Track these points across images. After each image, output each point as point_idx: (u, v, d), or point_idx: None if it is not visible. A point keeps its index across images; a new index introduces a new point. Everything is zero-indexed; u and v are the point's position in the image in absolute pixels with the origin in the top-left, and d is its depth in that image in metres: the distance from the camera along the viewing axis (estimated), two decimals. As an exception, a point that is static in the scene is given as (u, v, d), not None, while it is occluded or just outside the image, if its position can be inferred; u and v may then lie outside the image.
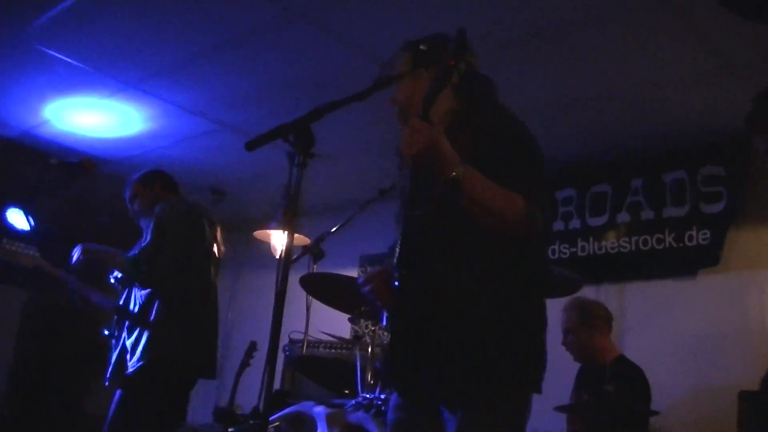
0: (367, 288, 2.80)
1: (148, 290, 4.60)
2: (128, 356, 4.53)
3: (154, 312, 4.53)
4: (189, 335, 4.54)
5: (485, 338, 2.48)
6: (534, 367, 2.56)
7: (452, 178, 2.36)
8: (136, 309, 4.64)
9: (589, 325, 5.09)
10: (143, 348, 4.45)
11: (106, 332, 4.84)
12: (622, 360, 5.06)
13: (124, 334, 4.67)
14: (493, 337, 2.48)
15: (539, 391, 2.56)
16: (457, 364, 2.48)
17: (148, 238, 4.57)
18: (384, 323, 2.72)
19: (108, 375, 4.67)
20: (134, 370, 4.44)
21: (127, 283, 4.79)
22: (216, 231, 4.99)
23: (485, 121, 2.67)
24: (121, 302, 4.78)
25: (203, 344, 4.65)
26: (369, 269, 2.89)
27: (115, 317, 4.83)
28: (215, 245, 4.95)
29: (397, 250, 2.70)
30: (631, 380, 4.87)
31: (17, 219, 6.26)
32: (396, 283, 2.66)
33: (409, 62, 2.88)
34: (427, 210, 2.68)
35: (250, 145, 2.38)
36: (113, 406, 4.54)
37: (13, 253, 5.08)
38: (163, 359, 4.47)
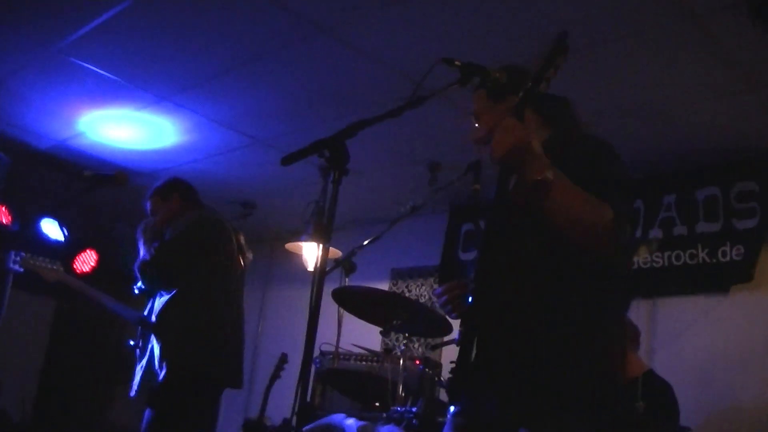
0: (442, 299, 2.76)
1: (166, 300, 4.62)
2: (155, 367, 4.54)
3: (173, 321, 4.54)
4: (210, 344, 4.54)
5: (560, 365, 2.42)
6: (608, 403, 2.51)
7: (542, 179, 2.30)
8: (155, 319, 4.66)
9: (624, 343, 5.05)
10: (164, 358, 4.47)
11: (131, 343, 4.87)
12: (651, 376, 5.02)
13: (150, 344, 4.68)
14: (569, 366, 2.43)
15: (606, 426, 2.50)
16: (526, 389, 2.44)
17: (167, 239, 4.59)
18: (457, 337, 2.68)
19: (134, 386, 4.69)
20: (160, 381, 4.46)
21: (149, 294, 4.82)
22: (240, 239, 5.00)
23: (575, 150, 2.63)
24: (144, 313, 4.80)
25: (227, 353, 4.64)
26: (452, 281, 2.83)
27: (140, 328, 4.85)
28: (240, 254, 4.96)
29: (476, 262, 2.66)
30: (660, 397, 4.84)
31: (51, 230, 6.32)
32: (470, 298, 2.57)
33: (484, 98, 2.85)
34: (510, 223, 2.61)
35: (286, 161, 2.39)
36: (144, 422, 4.54)
37: (35, 267, 5.11)
38: (185, 368, 4.47)
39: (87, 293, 5.04)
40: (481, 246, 2.69)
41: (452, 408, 2.75)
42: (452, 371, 2.60)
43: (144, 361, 4.68)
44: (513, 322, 2.50)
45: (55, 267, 5.18)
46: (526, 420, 2.46)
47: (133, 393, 4.71)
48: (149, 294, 4.83)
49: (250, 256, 5.05)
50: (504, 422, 2.51)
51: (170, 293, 4.60)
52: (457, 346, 2.61)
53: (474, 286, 2.58)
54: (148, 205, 5.03)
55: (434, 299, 2.86)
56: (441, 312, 2.81)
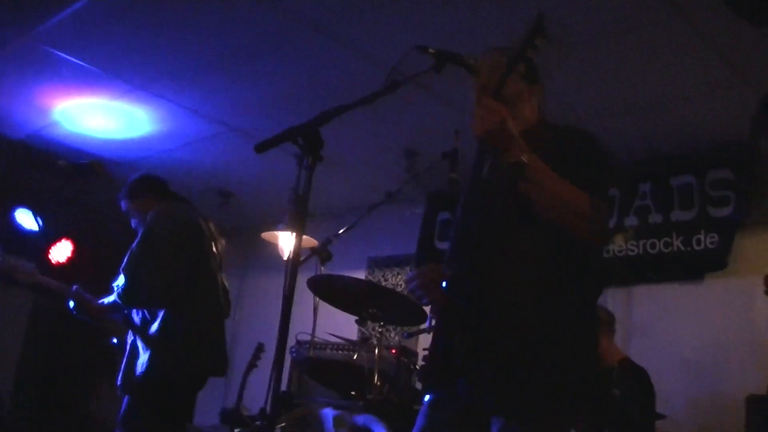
0: (413, 284, 2.73)
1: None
2: (137, 361, 4.53)
3: (157, 321, 4.52)
4: (193, 338, 4.52)
5: (539, 351, 2.43)
6: (589, 386, 2.53)
7: (519, 160, 2.34)
8: (139, 318, 4.64)
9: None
10: (149, 355, 4.45)
11: (115, 341, 4.83)
12: (627, 363, 5.05)
13: (131, 338, 4.66)
14: (548, 352, 2.44)
15: (585, 414, 2.51)
16: (506, 373, 2.44)
17: (133, 252, 4.53)
18: (428, 324, 2.67)
19: (119, 379, 4.66)
20: (140, 374, 4.44)
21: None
22: (210, 227, 4.98)
23: (557, 136, 2.66)
24: (125, 311, 4.76)
25: (209, 345, 4.64)
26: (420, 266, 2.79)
27: (123, 324, 4.82)
28: (213, 241, 4.94)
29: (450, 246, 2.65)
30: (636, 383, 4.86)
31: (25, 220, 6.28)
32: (444, 283, 2.60)
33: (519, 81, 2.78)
34: (487, 205, 2.64)
35: (260, 148, 2.38)
36: (122, 410, 4.53)
37: (9, 269, 5.04)
38: (169, 365, 4.46)
39: (63, 292, 4.98)
40: (456, 231, 2.70)
41: (427, 397, 2.75)
42: (425, 359, 2.60)
43: (127, 353, 4.66)
44: (489, 308, 2.50)
45: (29, 268, 5.08)
46: (500, 406, 2.47)
47: (118, 385, 4.68)
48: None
49: (223, 242, 5.03)
50: (478, 409, 2.52)
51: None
52: (429, 333, 2.61)
53: (449, 272, 2.58)
54: (123, 206, 5.00)
55: (406, 285, 2.82)
56: (414, 299, 2.79)
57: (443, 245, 7.43)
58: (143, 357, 4.48)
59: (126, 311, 4.70)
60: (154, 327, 4.51)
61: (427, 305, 2.75)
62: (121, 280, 4.51)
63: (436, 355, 2.67)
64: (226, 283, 4.99)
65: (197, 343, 4.53)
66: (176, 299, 4.51)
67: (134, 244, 4.53)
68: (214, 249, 4.92)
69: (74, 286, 4.88)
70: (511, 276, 2.53)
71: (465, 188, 2.81)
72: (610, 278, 6.14)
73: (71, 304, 4.86)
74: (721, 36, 4.48)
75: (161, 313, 4.52)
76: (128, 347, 4.65)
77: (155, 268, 4.47)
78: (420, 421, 2.69)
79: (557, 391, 2.43)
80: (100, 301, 4.77)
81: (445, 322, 2.61)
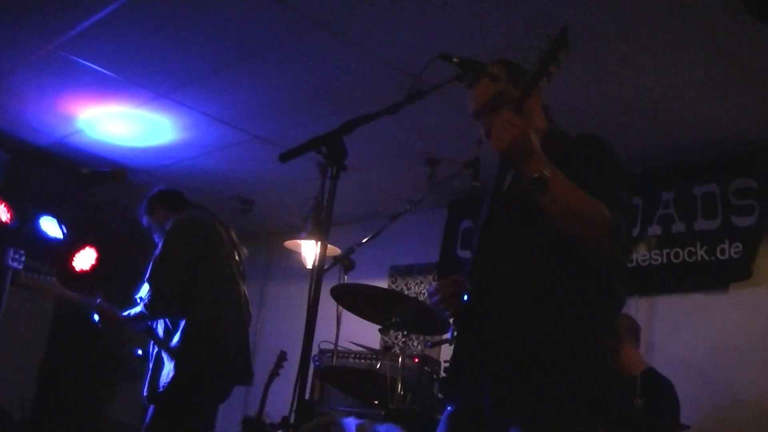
0: (435, 298, 2.71)
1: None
2: (161, 372, 4.54)
3: (179, 331, 4.53)
4: (216, 348, 4.53)
5: (557, 362, 2.42)
6: (604, 398, 2.51)
7: (540, 176, 2.32)
8: (162, 329, 4.65)
9: (617, 337, 5.03)
10: (173, 365, 4.46)
11: (140, 352, 4.84)
12: (651, 373, 5.02)
13: (155, 349, 4.68)
14: (566, 363, 2.43)
15: (607, 424, 2.49)
16: (524, 384, 2.43)
17: (155, 263, 4.55)
18: (449, 335, 2.66)
19: (144, 390, 4.67)
20: (165, 385, 4.45)
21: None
22: (232, 235, 4.99)
23: (573, 146, 2.65)
24: (149, 322, 4.77)
25: (233, 354, 4.64)
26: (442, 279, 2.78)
27: (146, 335, 4.84)
28: (234, 250, 4.95)
29: (471, 258, 2.65)
30: (660, 394, 4.83)
31: (50, 227, 6.31)
32: (466, 297, 2.58)
33: (488, 87, 2.77)
34: (507, 220, 2.63)
35: (284, 157, 2.39)
36: (147, 419, 4.54)
37: (32, 284, 5.05)
38: (193, 375, 4.47)
39: (85, 305, 4.98)
40: (477, 242, 2.69)
41: (448, 408, 2.74)
42: (446, 370, 2.60)
43: (152, 363, 4.67)
44: (510, 320, 2.50)
45: (50, 281, 5.08)
46: (519, 419, 2.46)
47: (144, 394, 4.68)
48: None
49: (244, 250, 5.04)
50: (497, 421, 2.51)
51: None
52: (450, 345, 2.60)
53: (470, 284, 2.57)
54: (144, 223, 5.04)
55: (427, 298, 2.81)
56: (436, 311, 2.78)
57: (465, 254, 7.43)
58: (168, 367, 4.49)
59: (150, 323, 4.71)
60: (177, 338, 4.52)
61: (449, 318, 2.73)
62: (144, 291, 4.53)
63: (455, 367, 2.66)
64: (245, 293, 5.00)
65: (220, 353, 4.53)
66: (198, 309, 4.52)
67: (155, 256, 4.56)
68: (236, 257, 4.93)
69: (98, 299, 4.89)
70: (519, 287, 2.53)
71: (486, 200, 2.80)
72: (633, 288, 6.11)
73: (96, 317, 4.88)
74: (734, 39, 4.45)
75: (182, 324, 4.53)
76: (153, 358, 4.66)
77: (177, 278, 4.49)
78: (441, 429, 2.69)
79: (571, 400, 2.41)
80: (125, 313, 4.78)
81: (463, 334, 2.60)
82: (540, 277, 2.51)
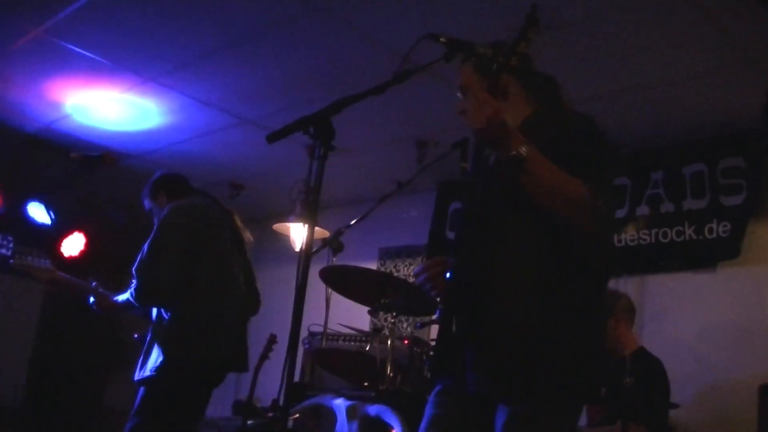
0: (422, 277, 2.74)
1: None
2: (151, 355, 4.54)
3: (170, 315, 4.53)
4: (207, 333, 4.52)
5: (538, 336, 2.43)
6: (592, 374, 2.52)
7: (517, 154, 2.33)
8: (154, 313, 4.65)
9: (614, 317, 5.04)
10: (162, 349, 4.46)
11: (136, 336, 4.84)
12: (641, 352, 5.04)
13: (150, 333, 4.68)
14: (552, 338, 2.43)
15: (594, 401, 2.51)
16: (511, 361, 2.44)
17: (143, 251, 4.54)
18: (437, 315, 2.67)
19: (135, 372, 4.68)
20: (155, 368, 4.45)
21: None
22: (234, 220, 4.98)
23: (555, 127, 2.64)
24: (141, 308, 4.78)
25: (225, 339, 4.63)
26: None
27: (142, 318, 4.84)
28: (238, 235, 4.95)
29: (455, 237, 2.66)
30: (650, 373, 4.85)
31: (38, 213, 6.30)
32: (448, 274, 2.61)
33: (471, 71, 2.83)
34: (488, 198, 2.64)
35: (271, 138, 2.39)
36: (136, 402, 4.55)
37: (26, 267, 5.05)
38: (182, 359, 4.47)
39: (81, 287, 4.99)
40: (461, 222, 2.70)
41: (437, 386, 2.75)
42: (434, 348, 2.61)
43: (145, 347, 4.68)
44: (494, 297, 2.50)
45: (44, 264, 5.09)
46: (507, 395, 2.47)
47: (135, 378, 4.69)
48: None
49: (248, 236, 5.03)
50: (484, 398, 2.53)
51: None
52: (438, 324, 2.61)
53: (453, 262, 2.59)
54: (146, 205, 5.04)
55: (414, 278, 2.83)
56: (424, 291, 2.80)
57: (454, 235, 7.44)
58: (157, 351, 4.49)
59: (142, 308, 4.72)
60: (167, 322, 4.52)
61: (435, 297, 2.75)
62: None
63: (441, 345, 2.67)
64: (253, 277, 5.01)
65: (211, 338, 4.52)
66: (189, 295, 4.52)
67: (146, 242, 4.56)
68: (237, 243, 4.92)
69: (93, 283, 4.90)
70: (509, 265, 2.52)
71: (468, 180, 2.81)
72: (623, 267, 6.13)
73: (91, 299, 4.88)
74: (728, 19, 4.45)
75: (172, 309, 4.53)
76: (146, 341, 4.66)
77: (165, 267, 4.48)
78: (428, 410, 2.70)
79: (559, 375, 2.43)
80: (115, 298, 4.79)
81: (449, 313, 2.61)
82: (528, 256, 2.51)
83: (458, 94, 2.89)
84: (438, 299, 2.70)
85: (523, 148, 2.33)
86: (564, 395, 2.47)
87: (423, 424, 2.68)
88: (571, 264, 2.50)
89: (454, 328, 2.53)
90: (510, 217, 2.55)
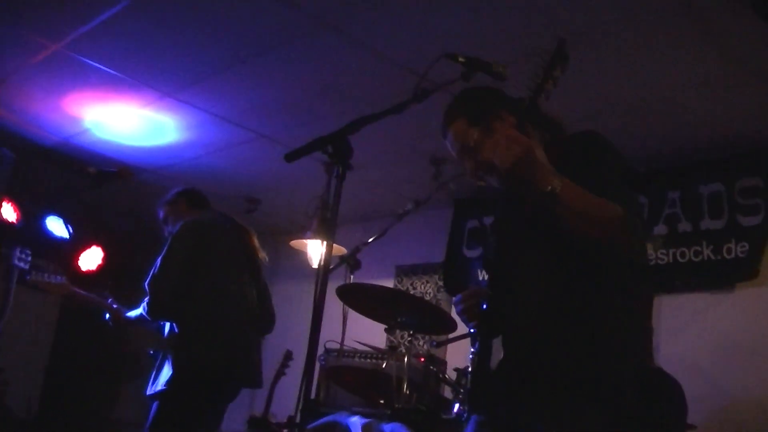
0: (459, 308, 2.72)
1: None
2: (164, 369, 4.55)
3: (178, 332, 4.55)
4: (217, 348, 4.54)
5: (584, 366, 2.42)
6: (627, 401, 2.50)
7: (550, 190, 2.29)
8: (167, 328, 4.67)
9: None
10: (174, 364, 4.47)
11: (151, 352, 4.86)
12: (658, 373, 5.00)
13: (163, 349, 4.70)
14: (593, 365, 2.42)
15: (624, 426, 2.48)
16: (548, 394, 2.43)
17: (155, 266, 4.57)
18: (475, 348, 2.65)
19: (148, 387, 4.69)
20: (167, 382, 4.46)
21: None
22: (249, 237, 5.00)
23: (572, 150, 2.61)
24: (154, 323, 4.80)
25: (233, 355, 4.63)
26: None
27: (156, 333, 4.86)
28: (249, 251, 4.96)
29: (488, 268, 2.64)
30: (667, 395, 4.82)
31: (56, 227, 6.32)
32: (484, 306, 2.58)
33: (466, 128, 2.70)
34: (523, 230, 2.62)
35: (290, 157, 2.39)
36: (150, 417, 4.56)
37: (41, 284, 5.08)
38: (193, 374, 4.48)
39: (96, 303, 5.01)
40: (494, 253, 2.67)
41: (474, 416, 2.72)
42: (472, 380, 2.59)
43: (158, 361, 4.69)
44: (533, 327, 2.50)
45: (60, 281, 5.13)
46: (547, 423, 2.45)
47: (147, 393, 4.70)
48: None
49: (263, 254, 5.05)
50: (526, 427, 2.51)
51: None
52: (476, 356, 2.59)
53: (490, 294, 2.57)
54: (160, 215, 5.06)
55: (453, 307, 2.82)
56: (447, 310, 2.79)
57: (471, 253, 7.42)
58: (169, 366, 4.50)
59: (155, 323, 4.74)
60: (177, 337, 4.54)
61: (473, 329, 2.72)
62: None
63: (478, 378, 2.66)
64: (268, 296, 5.02)
65: (209, 343, 4.54)
66: (197, 311, 4.54)
67: (158, 258, 4.58)
68: (250, 260, 4.94)
69: (108, 299, 4.92)
70: (543, 292, 2.52)
71: (496, 203, 2.80)
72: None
73: (107, 316, 4.91)
74: (738, 36, 4.44)
75: (182, 325, 4.55)
76: (160, 356, 4.68)
77: (175, 284, 4.51)
78: None
79: (592, 403, 2.41)
80: (128, 313, 4.81)
81: (484, 345, 2.60)
82: (564, 284, 2.49)
83: (457, 157, 2.79)
84: (473, 330, 2.68)
85: (556, 181, 2.30)
86: (598, 420, 2.43)
87: None
88: (607, 288, 2.48)
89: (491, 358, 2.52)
90: (539, 246, 2.54)
